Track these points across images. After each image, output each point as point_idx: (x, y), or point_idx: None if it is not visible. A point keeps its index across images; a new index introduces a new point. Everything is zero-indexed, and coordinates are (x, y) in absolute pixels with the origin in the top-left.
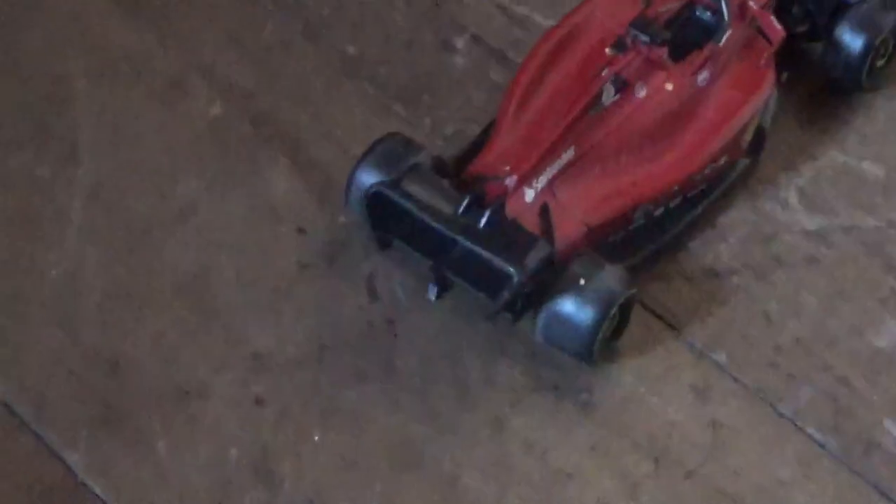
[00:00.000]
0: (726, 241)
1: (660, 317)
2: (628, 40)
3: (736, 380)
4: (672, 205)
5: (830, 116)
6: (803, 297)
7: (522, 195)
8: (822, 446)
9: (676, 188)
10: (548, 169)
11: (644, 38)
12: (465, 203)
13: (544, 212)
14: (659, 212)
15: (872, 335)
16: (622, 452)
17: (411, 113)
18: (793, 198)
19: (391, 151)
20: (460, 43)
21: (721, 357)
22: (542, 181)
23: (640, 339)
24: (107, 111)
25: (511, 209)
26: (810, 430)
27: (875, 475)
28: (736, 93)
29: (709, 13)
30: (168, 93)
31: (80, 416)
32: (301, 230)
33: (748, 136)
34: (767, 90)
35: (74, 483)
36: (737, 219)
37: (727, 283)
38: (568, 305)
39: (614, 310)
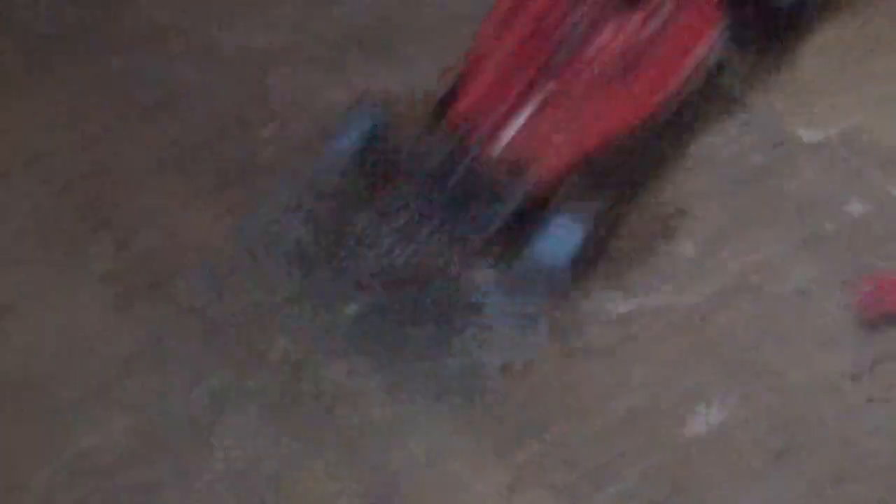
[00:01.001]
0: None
1: (470, 407)
2: None
3: (546, 475)
4: (646, 134)
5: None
6: (614, 387)
7: (494, 144)
8: None
9: (644, 119)
10: (521, 113)
11: None
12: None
13: (518, 168)
14: (633, 141)
15: (688, 423)
16: None
17: (241, 195)
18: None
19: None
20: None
21: (532, 451)
22: (517, 125)
23: (449, 432)
24: None
25: (485, 157)
26: None
27: None
28: (689, 32)
29: None
30: None
31: None
32: None
33: (701, 73)
34: (715, 34)
35: None
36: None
37: (538, 373)
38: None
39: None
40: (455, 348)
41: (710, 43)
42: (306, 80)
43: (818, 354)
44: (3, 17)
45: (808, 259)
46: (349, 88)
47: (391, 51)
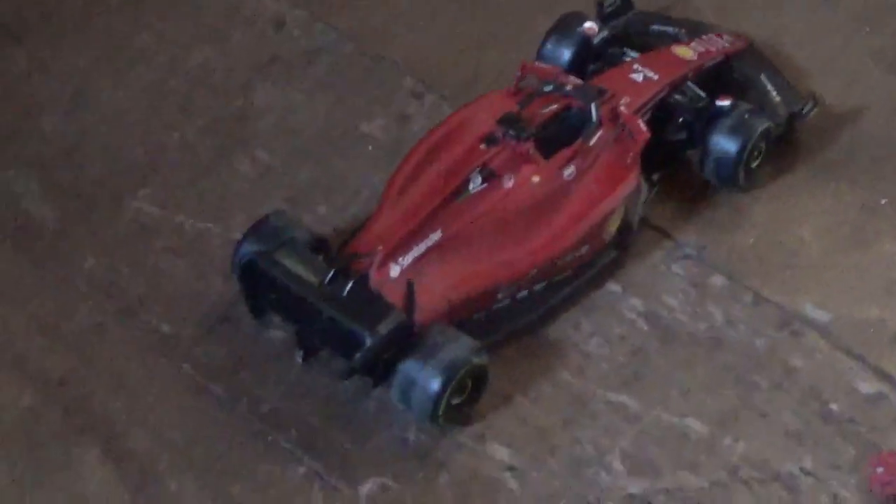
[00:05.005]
0: None
1: None
2: (498, 135)
3: None
4: (536, 289)
5: (653, 370)
6: None
7: (388, 270)
8: None
9: (537, 272)
10: (414, 248)
11: (511, 133)
12: (329, 275)
13: (408, 286)
14: (522, 294)
15: None
16: None
17: (229, 393)
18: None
19: (273, 227)
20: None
21: None
22: (408, 259)
23: None
24: None
25: (375, 282)
26: None
27: None
28: (599, 187)
29: (582, 115)
30: None
31: None
32: None
33: (612, 229)
34: (630, 186)
35: None
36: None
37: None
38: (416, 371)
39: (459, 378)
40: None
41: (624, 194)
42: None
43: None
44: None
45: (815, 439)
46: None
47: None
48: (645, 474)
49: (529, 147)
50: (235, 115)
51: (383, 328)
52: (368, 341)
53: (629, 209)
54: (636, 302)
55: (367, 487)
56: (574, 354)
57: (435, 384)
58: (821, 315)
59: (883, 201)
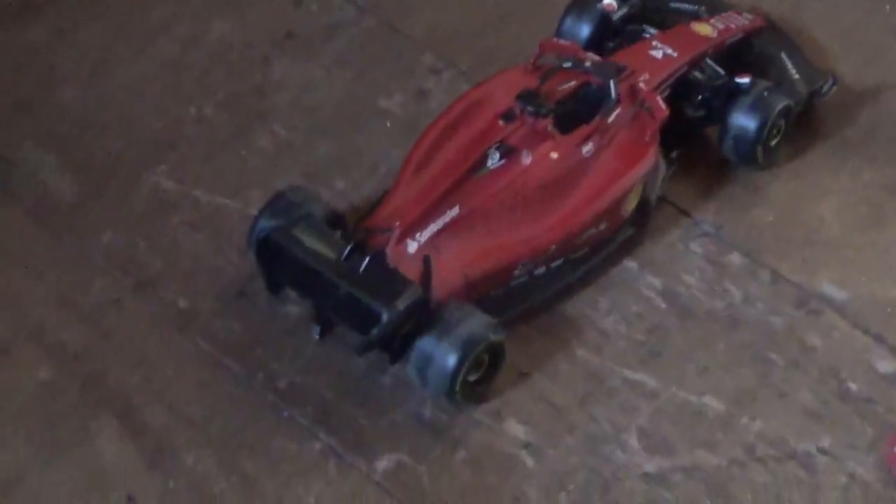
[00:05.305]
0: (565, 490)
1: None
2: (516, 111)
3: None
4: (553, 266)
5: (670, 347)
6: None
7: (405, 246)
8: None
9: (555, 249)
10: (431, 224)
11: (529, 109)
12: (346, 250)
13: (425, 262)
14: (540, 271)
15: None
16: None
17: (245, 368)
18: (633, 439)
19: (290, 203)
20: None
21: None
22: (425, 234)
23: None
24: None
25: (393, 258)
26: None
27: None
28: (617, 164)
29: (600, 91)
30: None
31: None
32: (131, 498)
33: (629, 207)
34: (648, 164)
35: None
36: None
37: None
38: (433, 347)
39: (475, 354)
40: None
41: (643, 171)
42: None
43: None
44: (6, 189)
45: (832, 418)
46: None
47: None
48: (661, 452)
49: (548, 123)
50: (253, 90)
51: (401, 303)
52: (385, 316)
53: (647, 186)
54: (654, 279)
55: (382, 464)
56: (591, 332)
57: (452, 360)
58: (839, 294)
59: None
